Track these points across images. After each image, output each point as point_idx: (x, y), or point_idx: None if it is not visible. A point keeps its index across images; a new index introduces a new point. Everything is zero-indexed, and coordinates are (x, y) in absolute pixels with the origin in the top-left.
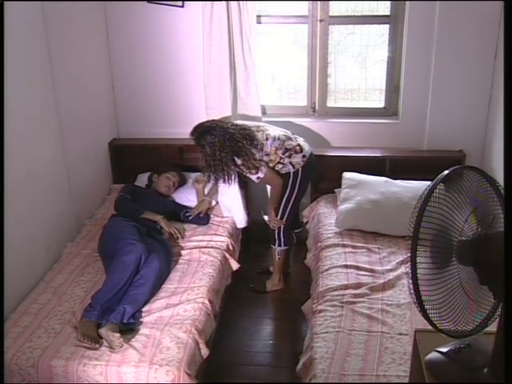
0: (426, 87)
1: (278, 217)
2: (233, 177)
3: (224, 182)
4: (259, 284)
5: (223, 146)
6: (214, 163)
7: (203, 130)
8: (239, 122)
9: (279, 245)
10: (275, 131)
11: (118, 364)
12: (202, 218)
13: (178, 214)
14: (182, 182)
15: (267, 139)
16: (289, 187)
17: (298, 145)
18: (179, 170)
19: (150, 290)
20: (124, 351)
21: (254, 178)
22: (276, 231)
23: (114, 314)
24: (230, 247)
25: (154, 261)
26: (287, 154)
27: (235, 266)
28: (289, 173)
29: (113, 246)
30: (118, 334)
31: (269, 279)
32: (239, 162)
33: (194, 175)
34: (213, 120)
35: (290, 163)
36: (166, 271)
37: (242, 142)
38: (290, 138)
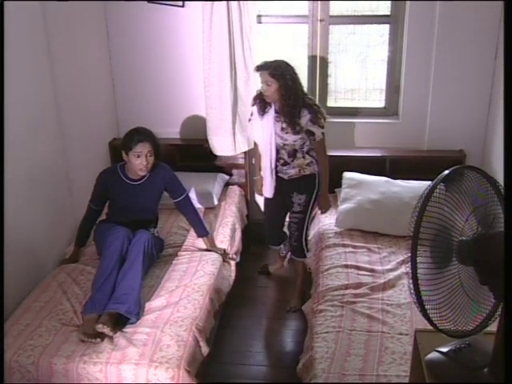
0: (427, 87)
1: (304, 226)
2: (299, 119)
3: (293, 119)
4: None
5: (301, 86)
6: (294, 97)
7: (283, 62)
8: None
9: (304, 255)
10: None
11: (118, 362)
12: (204, 228)
13: (171, 195)
14: (157, 149)
15: None
16: (315, 189)
17: None
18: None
19: (141, 267)
20: (124, 349)
21: (320, 131)
22: (303, 240)
23: (110, 304)
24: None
25: (140, 235)
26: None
27: (235, 266)
28: (314, 174)
29: (103, 243)
30: (108, 328)
31: (294, 298)
32: (317, 106)
33: (194, 175)
34: None
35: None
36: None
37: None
38: None
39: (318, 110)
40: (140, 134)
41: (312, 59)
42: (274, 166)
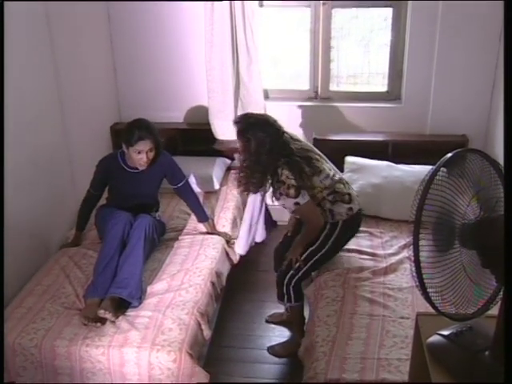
0: (430, 71)
1: (291, 267)
2: (264, 187)
3: (252, 188)
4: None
5: (272, 149)
6: (253, 163)
7: (255, 122)
8: (297, 137)
9: (289, 300)
10: (330, 167)
11: (121, 345)
12: (204, 213)
13: (171, 182)
14: (158, 144)
15: (321, 172)
16: (319, 241)
17: (349, 194)
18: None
19: (142, 251)
20: (126, 332)
21: (290, 202)
22: (285, 286)
23: (112, 288)
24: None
25: (141, 220)
26: (331, 198)
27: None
28: (325, 222)
29: (105, 228)
30: (110, 313)
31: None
32: (283, 175)
33: (195, 159)
34: (267, 115)
35: (330, 211)
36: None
37: (298, 157)
38: (341, 182)
39: (284, 179)
40: (141, 131)
41: (314, 43)
42: (254, 223)
